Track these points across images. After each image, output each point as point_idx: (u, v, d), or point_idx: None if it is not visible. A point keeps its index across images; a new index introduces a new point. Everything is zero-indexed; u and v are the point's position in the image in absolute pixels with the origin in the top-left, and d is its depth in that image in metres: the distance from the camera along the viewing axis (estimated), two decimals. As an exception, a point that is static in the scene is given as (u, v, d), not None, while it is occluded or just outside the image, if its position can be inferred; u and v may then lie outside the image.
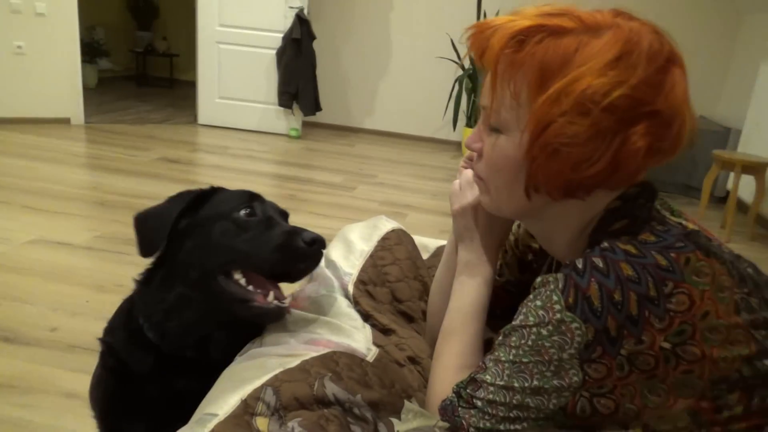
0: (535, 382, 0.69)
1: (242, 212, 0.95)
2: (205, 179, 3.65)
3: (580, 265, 0.68)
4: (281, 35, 5.10)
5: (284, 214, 1.03)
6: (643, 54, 0.67)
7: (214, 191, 1.02)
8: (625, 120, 0.67)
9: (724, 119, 5.07)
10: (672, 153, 0.71)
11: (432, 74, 5.86)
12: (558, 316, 0.67)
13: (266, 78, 5.25)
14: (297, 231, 0.93)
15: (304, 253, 0.91)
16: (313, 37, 5.14)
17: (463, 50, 5.08)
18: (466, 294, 0.90)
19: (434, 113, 5.96)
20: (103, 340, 1.01)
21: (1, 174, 3.33)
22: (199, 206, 0.98)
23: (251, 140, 5.04)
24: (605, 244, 0.70)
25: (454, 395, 0.77)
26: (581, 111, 0.66)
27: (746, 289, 0.69)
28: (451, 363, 0.86)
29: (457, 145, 5.86)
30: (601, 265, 0.67)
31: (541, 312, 0.69)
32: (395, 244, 1.22)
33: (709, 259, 0.68)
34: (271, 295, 0.91)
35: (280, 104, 5.23)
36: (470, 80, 5.45)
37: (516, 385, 0.70)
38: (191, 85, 6.14)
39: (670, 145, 0.69)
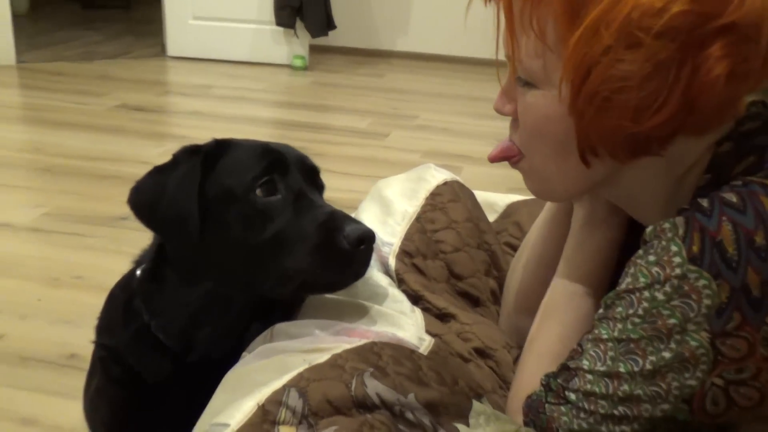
0: (649, 366, 0.71)
1: (258, 190, 0.97)
2: (182, 131, 3.71)
3: (705, 204, 0.71)
4: (275, -74, 5.09)
5: (314, 174, 1.07)
6: None
7: (221, 147, 1.04)
8: (690, 44, 0.69)
9: None
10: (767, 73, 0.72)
11: (489, -30, 5.78)
12: (678, 271, 0.69)
13: (257, -13, 5.26)
14: (336, 222, 0.95)
15: (347, 257, 0.93)
16: (319, -74, 5.13)
17: None
18: (581, 259, 0.94)
19: (493, 25, 5.90)
20: (102, 344, 1.07)
21: None
22: (205, 175, 1.01)
23: (241, 75, 5.08)
24: (736, 181, 0.72)
25: (542, 388, 0.81)
26: (630, 43, 0.69)
27: None
28: (547, 349, 0.90)
29: (528, 69, 5.80)
30: (734, 200, 0.69)
31: (655, 269, 0.72)
32: (450, 201, 1.24)
33: None
34: None
35: (279, 23, 5.24)
36: None
37: (623, 370, 0.73)
38: (155, 4, 6.18)
39: (761, 63, 0.70)
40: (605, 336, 0.75)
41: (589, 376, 0.76)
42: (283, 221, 0.96)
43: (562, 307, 0.92)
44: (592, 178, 0.81)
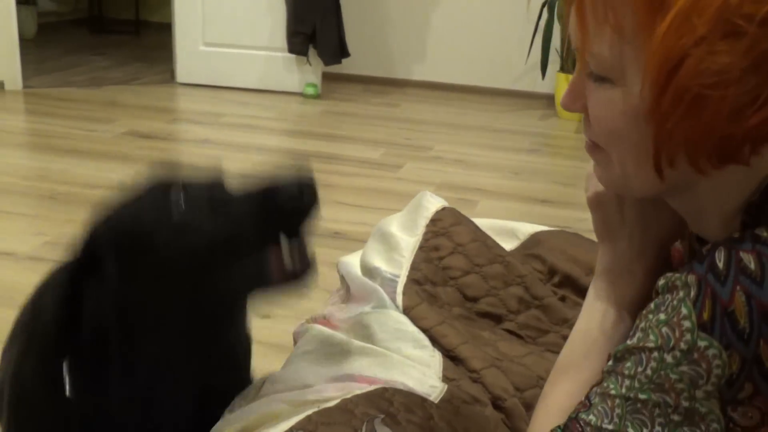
0: (658, 428, 0.70)
1: (176, 206, 0.95)
2: (191, 159, 3.73)
3: (720, 264, 0.68)
4: (290, -48, 5.15)
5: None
6: None
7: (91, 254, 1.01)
8: None
9: None
10: None
11: (507, -2, 5.83)
12: (688, 337, 0.68)
13: (270, 14, 5.31)
14: (269, 190, 0.94)
15: (297, 211, 0.94)
16: (334, -47, 5.19)
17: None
18: (598, 314, 0.92)
19: (513, 55, 5.93)
20: None
21: None
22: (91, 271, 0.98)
23: (252, 103, 5.12)
24: (763, 232, 0.69)
25: None
26: (728, 31, 0.64)
27: None
28: (557, 405, 0.88)
29: (549, 99, 5.82)
30: (752, 265, 0.67)
31: (665, 330, 0.70)
32: (452, 225, 1.24)
33: None
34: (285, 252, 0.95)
35: (291, 51, 5.29)
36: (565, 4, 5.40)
37: (631, 430, 0.71)
38: (165, 29, 6.25)
39: None
40: (613, 391, 0.74)
41: None
42: (224, 218, 0.94)
43: (576, 362, 0.90)
44: (669, 182, 0.76)
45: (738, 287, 0.66)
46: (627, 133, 0.75)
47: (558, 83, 5.53)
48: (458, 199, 3.42)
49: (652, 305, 0.73)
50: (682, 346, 0.68)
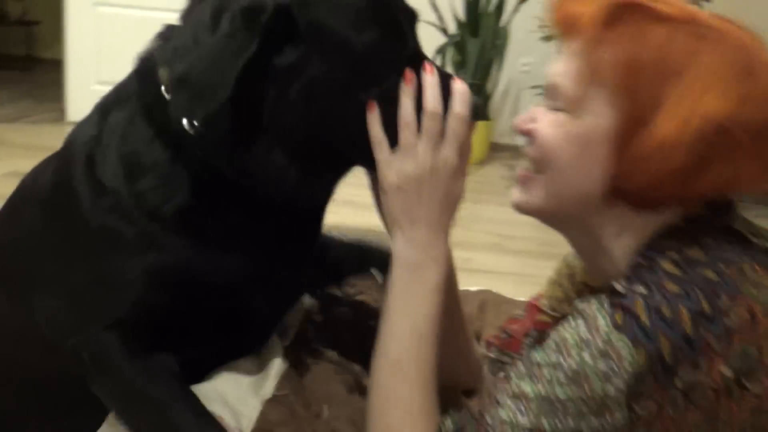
0: (572, 423, 0.78)
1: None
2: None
3: (619, 287, 0.81)
4: (187, -8, 5.14)
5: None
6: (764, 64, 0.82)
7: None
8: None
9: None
10: None
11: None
12: (604, 336, 0.78)
13: (167, 54, 5.27)
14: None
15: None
16: (232, -5, 5.20)
17: (445, 10, 5.19)
18: (418, 306, 0.94)
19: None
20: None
21: None
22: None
23: (146, 143, 5.04)
24: (644, 262, 0.82)
25: None
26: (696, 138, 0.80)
27: None
28: (415, 407, 0.90)
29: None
30: (641, 287, 0.79)
31: (583, 331, 0.80)
32: None
33: None
34: None
35: (188, 91, 5.25)
36: (457, 51, 5.53)
37: (547, 428, 0.79)
38: (57, 66, 6.12)
39: None
40: (529, 392, 0.81)
41: (509, 429, 0.81)
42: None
43: (415, 357, 0.93)
44: (592, 202, 0.89)
45: (637, 295, 0.79)
46: (581, 145, 0.87)
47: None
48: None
49: (569, 317, 0.84)
50: (600, 343, 0.78)
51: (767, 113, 0.81)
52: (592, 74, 0.86)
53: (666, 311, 0.76)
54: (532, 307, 1.15)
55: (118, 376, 1.01)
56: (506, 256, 3.21)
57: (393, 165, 0.95)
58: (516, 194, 0.96)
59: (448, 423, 0.89)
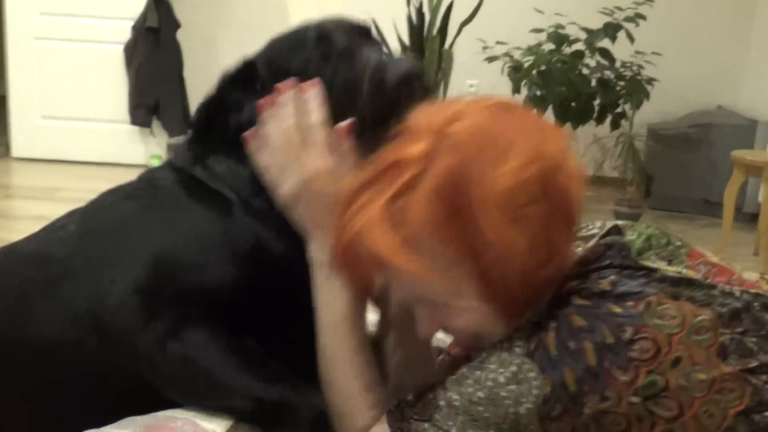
0: None
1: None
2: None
3: (536, 320, 0.87)
4: (130, 24, 5.14)
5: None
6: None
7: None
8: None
9: (749, 108, 5.37)
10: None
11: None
12: (518, 360, 0.84)
13: (112, 86, 5.25)
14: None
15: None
16: (176, 25, 5.22)
17: (393, 40, 5.25)
18: (333, 301, 1.02)
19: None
20: None
21: None
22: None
23: (94, 177, 4.98)
24: (559, 298, 0.87)
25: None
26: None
27: (740, 328, 0.82)
28: (355, 389, 0.99)
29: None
30: (552, 322, 0.85)
31: (504, 354, 0.86)
32: None
33: (678, 301, 0.83)
34: None
35: (134, 122, 5.23)
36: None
37: None
38: (1, 101, 6.05)
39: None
40: (457, 403, 0.87)
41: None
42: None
43: (346, 348, 1.02)
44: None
45: (550, 328, 0.85)
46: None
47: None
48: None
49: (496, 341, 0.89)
50: (513, 367, 0.84)
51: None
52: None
53: (572, 344, 0.82)
54: None
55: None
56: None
57: (279, 187, 1.04)
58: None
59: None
